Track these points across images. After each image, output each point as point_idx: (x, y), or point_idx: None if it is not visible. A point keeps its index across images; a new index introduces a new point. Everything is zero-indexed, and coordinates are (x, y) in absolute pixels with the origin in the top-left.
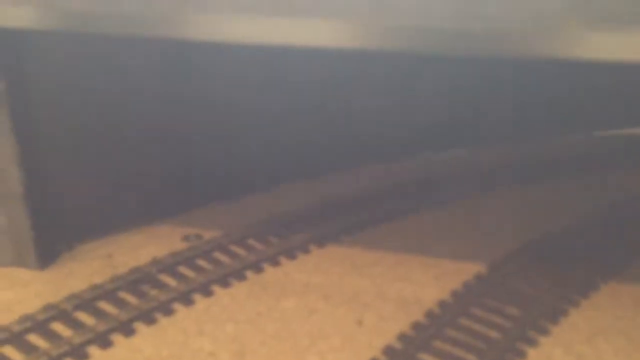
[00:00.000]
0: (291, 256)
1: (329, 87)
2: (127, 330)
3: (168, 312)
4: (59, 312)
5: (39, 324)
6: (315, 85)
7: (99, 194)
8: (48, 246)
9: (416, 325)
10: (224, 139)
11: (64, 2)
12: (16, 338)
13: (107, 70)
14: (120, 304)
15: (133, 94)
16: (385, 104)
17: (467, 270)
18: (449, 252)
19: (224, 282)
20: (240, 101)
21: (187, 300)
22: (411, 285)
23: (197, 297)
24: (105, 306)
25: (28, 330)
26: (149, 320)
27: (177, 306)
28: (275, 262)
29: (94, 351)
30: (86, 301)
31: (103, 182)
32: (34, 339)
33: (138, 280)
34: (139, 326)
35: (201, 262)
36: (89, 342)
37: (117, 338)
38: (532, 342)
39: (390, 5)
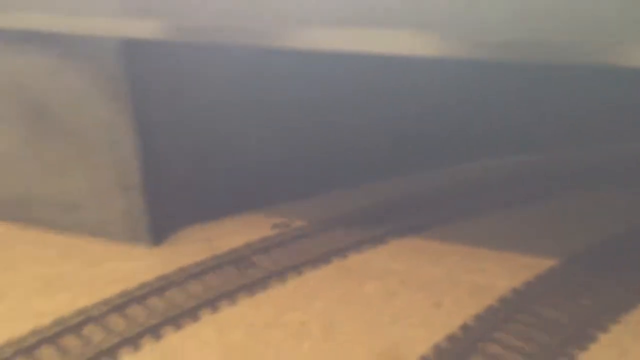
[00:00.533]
0: (372, 245)
1: (420, 92)
2: (230, 299)
3: (264, 287)
4: (170, 282)
5: (155, 290)
6: (409, 91)
7: (200, 186)
8: (159, 228)
9: (490, 309)
10: (313, 140)
11: (183, 16)
12: (138, 300)
13: (214, 76)
14: (222, 278)
15: (235, 97)
16: (466, 109)
17: (540, 265)
18: (523, 248)
19: (312, 265)
20: (334, 102)
21: (280, 278)
22: (485, 275)
23: (289, 276)
24: (209, 279)
25: (147, 295)
26: (249, 292)
27: (271, 283)
28: (357, 250)
29: (204, 314)
30: (193, 274)
31: (204, 176)
32: (153, 301)
33: (235, 259)
34: (241, 297)
35: (290, 247)
36: (199, 306)
37: (222, 305)
38: (603, 328)
39: (480, 18)
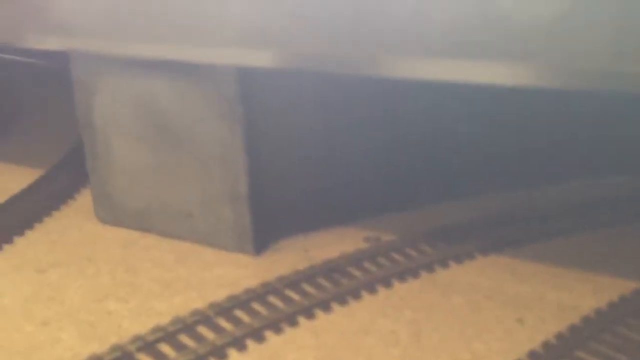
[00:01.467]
0: (458, 261)
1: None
2: (324, 307)
3: (357, 296)
4: (272, 289)
5: (258, 296)
6: (496, 117)
7: (298, 200)
8: (262, 238)
9: (573, 328)
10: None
11: (292, 45)
12: (243, 304)
13: (318, 100)
14: (318, 286)
15: (338, 122)
16: (566, 129)
17: (625, 286)
18: (608, 270)
19: (401, 277)
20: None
21: (371, 288)
22: (569, 294)
23: (380, 287)
24: (306, 287)
25: (251, 300)
26: (342, 301)
27: (363, 292)
28: (444, 265)
29: (301, 320)
30: (292, 282)
31: (302, 191)
32: (256, 306)
33: (331, 269)
34: (334, 305)
35: (381, 260)
36: (296, 312)
37: (317, 312)
38: None
39: (560, 48)
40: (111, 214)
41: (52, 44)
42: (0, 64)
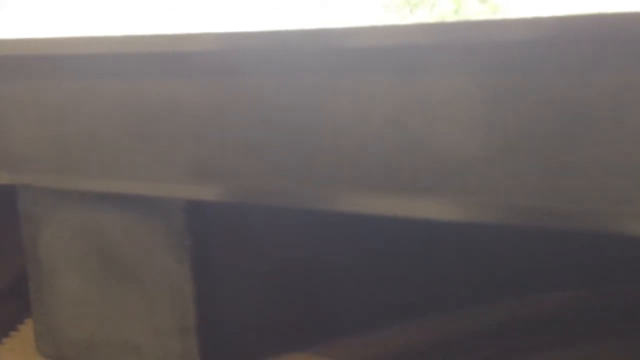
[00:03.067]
0: None
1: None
2: None
3: None
4: None
5: None
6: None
7: (249, 331)
8: None
9: None
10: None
11: (239, 179)
12: None
13: (271, 234)
14: None
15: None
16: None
17: None
18: None
19: None
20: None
21: None
22: None
23: None
24: None
25: None
26: None
27: None
28: None
29: None
30: None
31: (254, 321)
32: None
33: None
34: None
35: None
36: None
37: None
38: None
39: (495, 186)
40: (54, 348)
41: (2, 178)
42: None
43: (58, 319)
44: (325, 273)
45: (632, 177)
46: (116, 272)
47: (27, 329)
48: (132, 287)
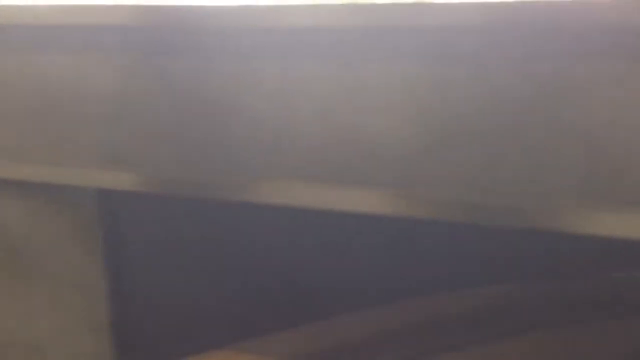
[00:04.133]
0: None
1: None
2: None
3: None
4: None
5: None
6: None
7: (170, 327)
8: None
9: None
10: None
11: (156, 168)
12: None
13: (193, 225)
14: None
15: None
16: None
17: None
18: None
19: None
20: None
21: None
22: None
23: None
24: None
25: None
26: None
27: None
28: None
29: None
30: None
31: (175, 320)
32: None
33: None
34: None
35: None
36: None
37: None
38: None
39: (427, 179)
40: None
41: None
42: None
43: None
44: (248, 265)
45: (566, 173)
46: (19, 266)
47: None
48: (37, 282)
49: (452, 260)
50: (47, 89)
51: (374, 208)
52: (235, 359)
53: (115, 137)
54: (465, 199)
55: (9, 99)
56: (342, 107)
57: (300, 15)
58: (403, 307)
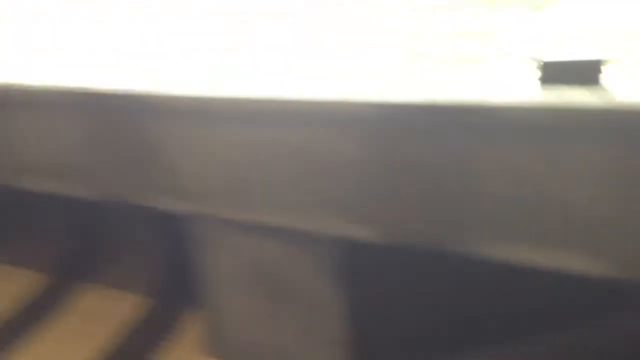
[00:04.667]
0: None
1: None
2: None
3: None
4: None
5: None
6: None
7: (394, 346)
8: None
9: None
10: None
11: (389, 223)
12: None
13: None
14: None
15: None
16: None
17: None
18: None
19: None
20: None
21: None
22: None
23: None
24: None
25: None
26: None
27: None
28: None
29: None
30: None
31: (398, 340)
32: None
33: None
34: None
35: None
36: None
37: None
38: None
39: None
40: (220, 350)
41: (179, 206)
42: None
43: (224, 328)
44: (460, 299)
45: (475, 216)
46: (276, 293)
47: (193, 331)
48: (290, 305)
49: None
50: (309, 160)
51: (581, 268)
52: None
53: (356, 197)
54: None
55: (279, 166)
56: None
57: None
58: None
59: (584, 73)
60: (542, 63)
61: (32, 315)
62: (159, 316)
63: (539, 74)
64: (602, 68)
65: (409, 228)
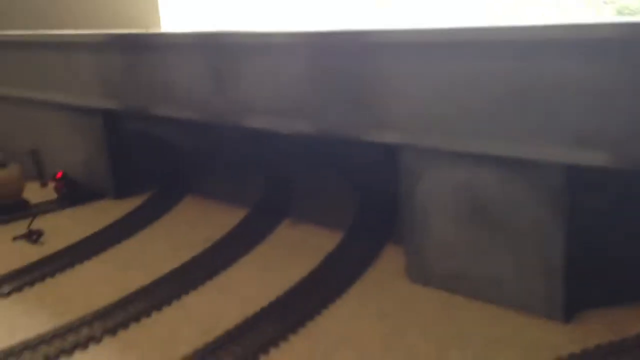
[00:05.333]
0: None
1: None
2: None
3: None
4: (595, 356)
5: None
6: None
7: (611, 273)
8: (571, 308)
9: None
10: None
11: (624, 153)
12: None
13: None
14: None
15: None
16: None
17: None
18: None
19: None
20: None
21: None
22: None
23: None
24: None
25: None
26: None
27: None
28: None
29: None
30: (611, 352)
31: (617, 266)
32: None
33: None
34: None
35: None
36: None
37: None
38: None
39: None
40: (423, 276)
41: (389, 138)
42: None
43: (428, 255)
44: None
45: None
46: (485, 219)
47: (390, 259)
48: (499, 233)
49: None
50: (528, 86)
51: None
52: None
53: (586, 122)
54: None
55: (493, 94)
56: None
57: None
58: None
59: None
60: None
61: (239, 242)
62: (360, 247)
63: None
64: None
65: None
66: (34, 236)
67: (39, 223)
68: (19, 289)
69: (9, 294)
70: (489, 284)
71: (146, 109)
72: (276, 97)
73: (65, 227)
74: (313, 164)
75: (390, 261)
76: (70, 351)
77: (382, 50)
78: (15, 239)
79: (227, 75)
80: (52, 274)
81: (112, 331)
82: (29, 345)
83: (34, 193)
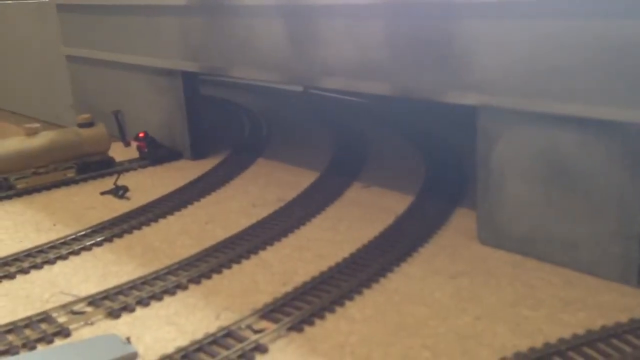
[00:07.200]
0: None
1: None
2: None
3: None
4: None
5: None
6: None
7: None
8: None
9: None
10: None
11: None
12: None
13: None
14: None
15: None
16: None
17: None
18: None
19: None
20: None
21: None
22: None
23: None
24: None
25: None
26: None
27: None
28: None
29: None
30: None
31: None
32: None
33: None
34: None
35: None
36: None
37: None
38: None
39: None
40: (494, 238)
41: (469, 99)
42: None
43: (501, 216)
44: None
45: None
46: (563, 182)
47: (460, 222)
48: (577, 195)
49: None
50: (617, 47)
51: None
52: None
53: None
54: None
55: (578, 55)
56: None
57: None
58: None
59: None
60: None
61: (312, 202)
62: (430, 209)
63: None
64: None
65: None
66: (120, 191)
67: (123, 180)
68: (109, 239)
69: (100, 243)
70: (563, 247)
71: (225, 70)
72: (355, 59)
73: (148, 184)
74: (383, 129)
75: (461, 224)
76: (159, 297)
77: (467, 10)
78: (103, 193)
79: (305, 37)
80: (138, 227)
81: (197, 280)
82: (122, 290)
83: (118, 152)
